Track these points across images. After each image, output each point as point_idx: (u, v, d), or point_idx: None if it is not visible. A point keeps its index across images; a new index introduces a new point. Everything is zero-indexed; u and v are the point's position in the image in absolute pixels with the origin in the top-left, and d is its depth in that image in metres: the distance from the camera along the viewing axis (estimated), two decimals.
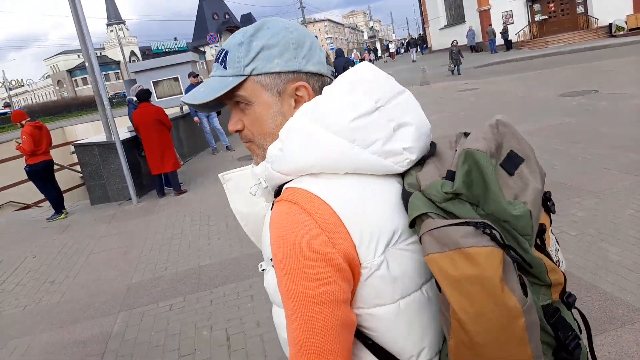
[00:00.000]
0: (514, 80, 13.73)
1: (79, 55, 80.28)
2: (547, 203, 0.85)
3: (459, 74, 18.15)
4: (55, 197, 7.27)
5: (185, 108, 10.85)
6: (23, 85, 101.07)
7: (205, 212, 6.11)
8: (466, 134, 0.87)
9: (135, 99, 7.92)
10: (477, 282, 0.66)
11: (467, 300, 0.67)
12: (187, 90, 9.93)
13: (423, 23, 41.71)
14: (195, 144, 10.83)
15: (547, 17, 25.71)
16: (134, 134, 7.88)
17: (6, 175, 12.39)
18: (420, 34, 53.64)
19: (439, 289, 0.71)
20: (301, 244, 0.74)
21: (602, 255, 3.31)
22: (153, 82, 16.67)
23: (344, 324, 0.75)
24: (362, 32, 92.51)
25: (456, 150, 0.79)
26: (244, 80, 0.86)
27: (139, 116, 7.08)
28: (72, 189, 13.12)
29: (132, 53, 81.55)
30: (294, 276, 0.74)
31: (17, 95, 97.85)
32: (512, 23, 26.38)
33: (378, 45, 57.94)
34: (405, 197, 0.77)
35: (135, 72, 17.89)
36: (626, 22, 22.08)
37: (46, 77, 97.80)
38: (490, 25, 26.53)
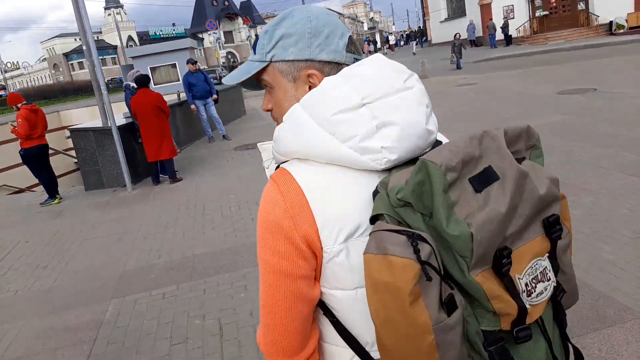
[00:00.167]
0: (513, 76, 13.72)
1: (75, 39, 79.60)
2: (550, 228, 0.80)
3: (459, 68, 18.06)
4: (49, 182, 7.22)
5: (183, 95, 10.77)
6: (19, 68, 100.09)
7: (201, 201, 6.10)
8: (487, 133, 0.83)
9: (132, 84, 7.85)
10: (389, 290, 0.69)
11: (381, 305, 0.71)
12: (185, 77, 9.82)
13: (424, 15, 41.55)
14: (192, 132, 10.77)
15: (548, 12, 25.61)
16: (130, 120, 7.82)
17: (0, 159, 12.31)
18: (420, 27, 53.45)
19: None
20: (270, 219, 0.84)
21: (595, 254, 3.33)
22: (150, 68, 16.50)
23: (298, 296, 0.84)
24: (362, 22, 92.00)
25: None
26: (267, 66, 0.94)
27: (138, 102, 7.01)
28: (67, 174, 13.05)
29: (130, 38, 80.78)
30: (263, 245, 0.85)
31: (12, 77, 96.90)
32: (513, 18, 26.26)
33: (378, 37, 57.64)
34: (374, 195, 0.80)
35: (132, 58, 17.70)
36: (626, 20, 22.04)
37: (42, 60, 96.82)
38: (491, 19, 26.42)
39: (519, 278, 0.76)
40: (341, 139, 0.80)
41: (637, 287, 2.89)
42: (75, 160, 10.13)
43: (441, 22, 34.82)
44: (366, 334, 0.87)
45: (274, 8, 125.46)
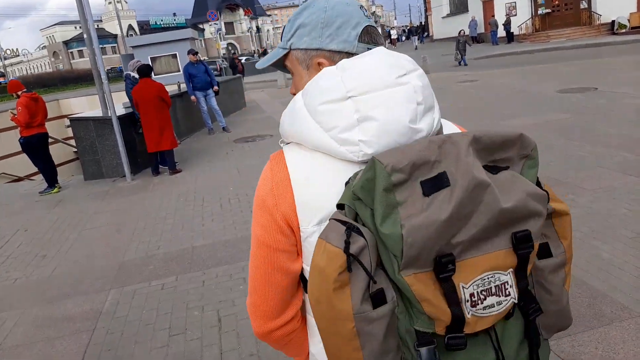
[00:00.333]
0: (514, 73, 13.71)
1: (76, 27, 79.14)
2: (518, 244, 0.77)
3: (465, 64, 17.91)
4: (48, 171, 7.21)
5: (183, 86, 10.73)
6: (18, 55, 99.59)
7: (200, 192, 6.10)
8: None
9: (133, 74, 7.82)
10: (320, 274, 0.76)
11: (314, 286, 0.78)
12: (186, 68, 9.78)
13: (426, 10, 41.40)
14: (192, 124, 10.74)
15: (550, 10, 25.55)
16: (130, 110, 7.79)
17: None
18: (421, 22, 53.20)
19: None
20: (259, 195, 0.92)
21: (593, 253, 3.35)
22: (151, 57, 16.43)
23: (276, 267, 0.91)
24: None
25: None
26: (288, 53, 1.00)
27: (140, 92, 6.99)
28: (65, 163, 13.02)
29: (130, 27, 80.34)
30: (254, 216, 0.94)
31: (11, 65, 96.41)
32: (515, 15, 26.18)
33: (379, 31, 57.18)
34: (346, 184, 0.83)
35: (133, 47, 17.62)
36: (629, 20, 22.00)
37: (42, 48, 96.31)
38: (493, 16, 26.36)
39: (463, 287, 0.76)
40: (325, 128, 0.83)
41: (634, 286, 2.91)
42: (75, 150, 10.11)
43: (443, 17, 34.70)
44: None
45: (276, 0, 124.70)
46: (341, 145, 0.82)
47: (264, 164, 1.05)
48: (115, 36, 76.27)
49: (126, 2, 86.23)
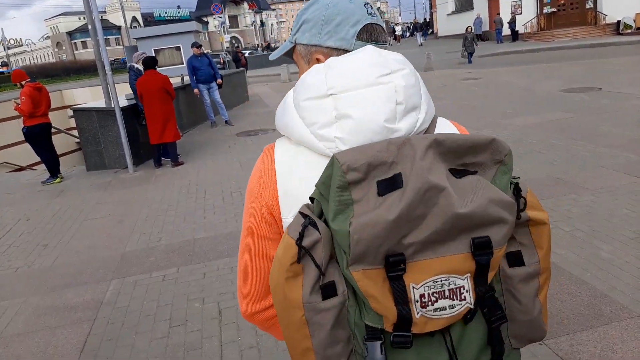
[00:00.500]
0: (518, 72, 13.67)
1: (80, 18, 79.05)
2: (477, 249, 0.76)
3: (469, 62, 17.79)
4: (51, 161, 7.22)
5: (186, 79, 10.73)
6: (22, 45, 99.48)
7: (202, 185, 6.11)
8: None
9: (137, 65, 7.82)
10: (277, 262, 0.82)
11: (273, 274, 0.83)
12: (190, 61, 9.77)
13: (431, 7, 41.24)
14: (194, 117, 10.74)
15: (555, 10, 25.44)
16: (133, 101, 7.79)
17: (1, 136, 12.30)
18: (425, 19, 53.00)
19: None
20: (249, 184, 0.97)
21: (594, 253, 3.35)
22: (154, 50, 16.39)
23: (259, 253, 0.96)
24: None
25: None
26: (294, 47, 1.04)
27: (144, 84, 6.98)
28: (68, 154, 13.04)
29: (134, 19, 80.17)
30: (245, 205, 0.99)
31: (15, 55, 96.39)
32: (521, 13, 26.06)
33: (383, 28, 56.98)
34: None
35: (136, 39, 17.54)
36: (634, 21, 21.90)
37: (45, 38, 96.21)
38: (499, 14, 26.24)
39: (413, 287, 0.76)
40: (307, 124, 0.85)
41: (634, 286, 2.91)
42: (77, 140, 10.12)
43: (448, 15, 34.57)
44: None
45: None
46: (320, 141, 0.84)
47: None
48: (119, 28, 76.14)
49: None
